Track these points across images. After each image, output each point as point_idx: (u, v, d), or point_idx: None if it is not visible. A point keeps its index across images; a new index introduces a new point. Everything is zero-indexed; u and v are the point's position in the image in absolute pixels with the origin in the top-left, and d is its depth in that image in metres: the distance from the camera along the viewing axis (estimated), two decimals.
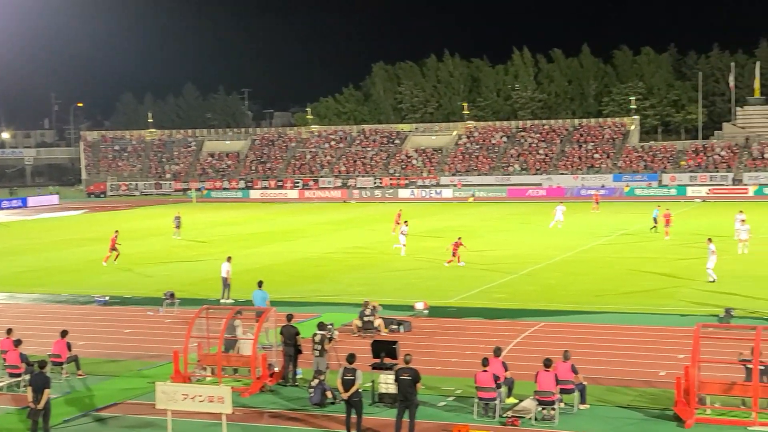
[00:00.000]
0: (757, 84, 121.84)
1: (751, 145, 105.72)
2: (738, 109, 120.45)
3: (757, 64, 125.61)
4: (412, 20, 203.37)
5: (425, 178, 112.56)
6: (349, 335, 30.94)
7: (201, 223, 77.42)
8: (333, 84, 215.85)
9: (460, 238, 48.22)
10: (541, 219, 71.61)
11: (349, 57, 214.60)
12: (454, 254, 47.02)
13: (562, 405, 22.40)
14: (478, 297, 38.88)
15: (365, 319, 31.62)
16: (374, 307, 32.17)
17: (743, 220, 51.53)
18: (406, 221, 54.66)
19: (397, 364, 23.11)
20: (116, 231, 52.14)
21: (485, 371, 22.33)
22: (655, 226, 59.15)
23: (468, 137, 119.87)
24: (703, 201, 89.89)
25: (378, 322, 31.74)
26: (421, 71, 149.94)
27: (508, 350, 28.06)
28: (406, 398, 20.87)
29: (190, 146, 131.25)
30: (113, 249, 50.24)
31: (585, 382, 23.09)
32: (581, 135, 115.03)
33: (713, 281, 39.82)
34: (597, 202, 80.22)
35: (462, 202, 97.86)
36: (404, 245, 51.63)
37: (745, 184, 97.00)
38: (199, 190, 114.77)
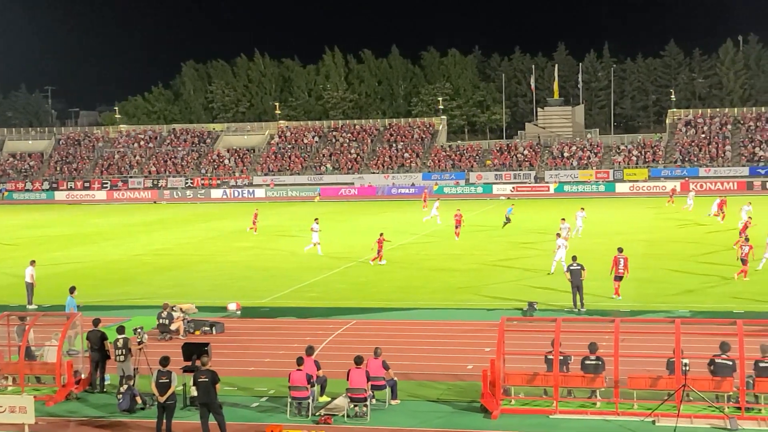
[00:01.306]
0: (556, 86, 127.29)
1: (551, 144, 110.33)
2: (539, 109, 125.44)
3: (556, 66, 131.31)
4: (223, 18, 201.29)
5: (237, 178, 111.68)
6: (176, 338, 30.62)
7: (2, 226, 74.15)
8: (142, 82, 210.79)
9: (382, 234, 48.18)
10: (352, 218, 72.46)
11: (158, 55, 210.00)
12: (379, 252, 46.86)
13: (374, 401, 22.76)
14: (290, 296, 38.95)
15: (160, 321, 31.17)
16: (173, 308, 31.82)
17: (564, 221, 52.37)
18: (316, 219, 53.55)
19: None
20: None
21: (299, 370, 22.43)
22: (506, 223, 60.70)
23: (280, 137, 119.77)
24: (508, 198, 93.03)
25: (177, 325, 31.32)
26: (232, 71, 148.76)
27: (320, 349, 28.26)
28: (206, 401, 20.75)
29: None
30: None
31: (396, 378, 23.52)
32: (391, 135, 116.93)
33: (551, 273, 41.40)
34: (425, 201, 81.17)
35: (309, 201, 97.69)
36: (318, 243, 50.74)
37: (547, 182, 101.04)
38: None
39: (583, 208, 57.20)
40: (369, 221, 70.14)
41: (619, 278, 35.30)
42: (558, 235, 43.84)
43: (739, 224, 52.70)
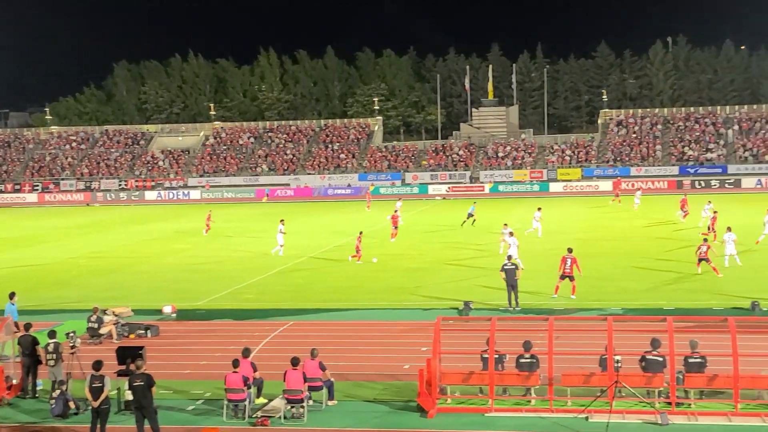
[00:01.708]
0: (490, 86, 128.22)
1: (486, 144, 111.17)
2: (474, 110, 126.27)
3: (490, 67, 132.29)
4: (155, 18, 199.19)
5: (172, 179, 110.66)
6: (110, 341, 30.29)
7: None
8: (73, 83, 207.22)
9: (361, 233, 48.17)
10: (288, 219, 72.17)
11: (90, 55, 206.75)
12: (358, 250, 46.86)
13: (311, 402, 22.77)
14: (227, 298, 38.77)
15: (89, 325, 30.85)
16: (105, 312, 31.55)
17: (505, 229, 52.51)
18: (282, 220, 53.21)
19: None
20: None
21: (235, 372, 22.36)
22: (467, 220, 60.96)
23: (215, 138, 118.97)
24: (443, 198, 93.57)
25: (108, 328, 31.02)
26: (165, 71, 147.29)
27: (257, 351, 28.19)
28: (141, 404, 20.60)
29: None
30: None
31: (333, 379, 23.57)
32: (327, 135, 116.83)
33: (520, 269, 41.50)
34: (369, 200, 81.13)
35: (257, 202, 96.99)
36: (282, 245, 50.56)
37: (482, 182, 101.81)
38: None
39: (540, 209, 57.42)
40: (305, 222, 70.01)
41: (563, 277, 35.65)
42: (511, 233, 44.08)
43: (699, 223, 53.80)
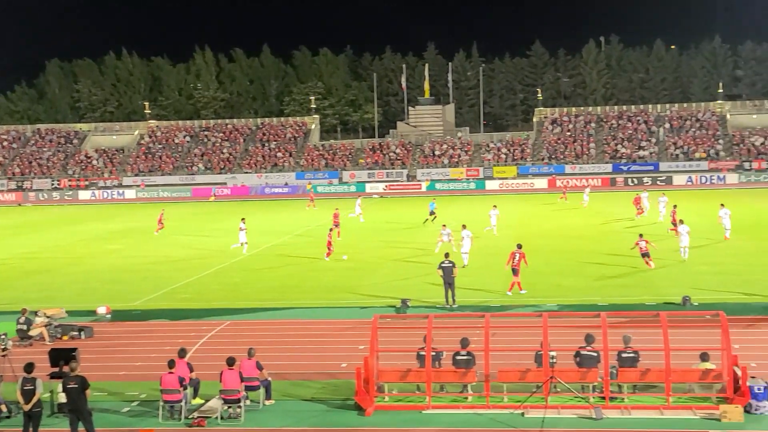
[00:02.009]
0: (426, 85, 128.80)
1: (422, 142, 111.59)
2: (410, 108, 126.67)
3: (426, 66, 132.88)
4: (88, 16, 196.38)
5: (107, 179, 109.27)
6: (42, 343, 29.86)
7: None
8: (3, 82, 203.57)
9: (331, 229, 48.66)
10: (224, 218, 71.76)
11: (21, 53, 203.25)
12: (329, 247, 46.99)
13: (248, 402, 22.68)
14: (162, 299, 38.40)
15: (18, 327, 30.37)
16: (36, 313, 31.08)
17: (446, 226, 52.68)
18: (243, 218, 52.72)
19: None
20: None
21: (171, 373, 22.17)
22: (429, 218, 61.00)
23: (150, 137, 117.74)
24: (381, 197, 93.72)
25: (38, 330, 30.57)
26: (99, 69, 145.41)
27: (193, 351, 28.01)
28: (75, 407, 20.32)
29: None
30: None
31: (270, 378, 23.49)
32: (264, 134, 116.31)
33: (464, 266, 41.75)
34: (312, 200, 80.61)
35: (207, 201, 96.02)
36: (245, 243, 50.18)
37: (419, 180, 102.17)
38: None
39: (495, 206, 57.56)
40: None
41: (515, 272, 36.01)
42: (463, 226, 44.11)
43: (660, 218, 54.54)
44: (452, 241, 45.92)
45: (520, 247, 36.49)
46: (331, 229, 49.67)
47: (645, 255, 40.74)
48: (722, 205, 50.08)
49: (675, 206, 54.12)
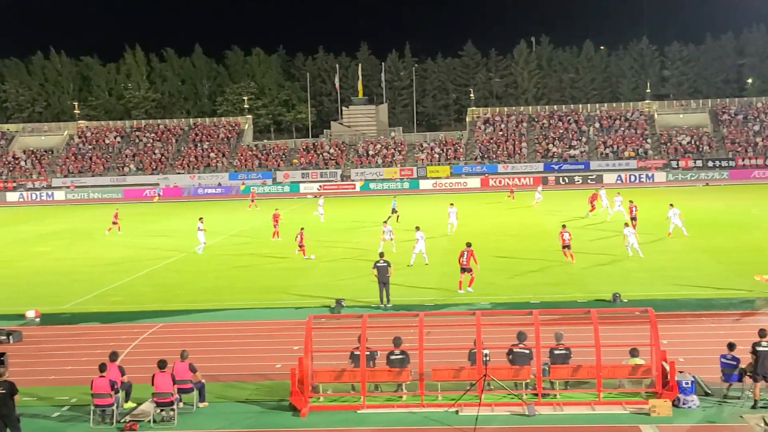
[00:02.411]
0: (360, 85, 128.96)
1: (356, 142, 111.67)
2: (344, 108, 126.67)
3: (359, 66, 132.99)
4: (15, 15, 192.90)
5: (35, 180, 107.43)
6: None
7: None
8: None
9: (302, 229, 48.20)
10: (156, 220, 71.11)
11: None
12: (301, 246, 46.71)
13: (181, 405, 22.51)
14: (93, 301, 37.90)
15: None
16: None
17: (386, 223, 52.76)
18: (201, 218, 52.15)
19: None
20: None
21: (101, 377, 21.89)
22: (392, 216, 60.79)
23: (80, 137, 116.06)
24: (315, 197, 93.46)
25: None
26: (27, 69, 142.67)
27: (125, 354, 27.69)
28: (2, 413, 19.97)
29: None
30: None
31: (204, 380, 23.34)
32: (197, 134, 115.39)
33: (410, 265, 42.11)
34: (253, 200, 79.87)
35: (152, 202, 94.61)
36: (203, 243, 50.37)
37: (353, 180, 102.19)
38: None
39: (452, 204, 57.45)
40: (175, 223, 69.00)
41: (463, 270, 36.29)
42: (417, 228, 44.23)
43: (625, 215, 55.16)
44: (393, 240, 46.14)
45: (469, 245, 36.77)
46: (302, 228, 49.02)
47: (566, 247, 41.42)
48: (671, 205, 50.90)
49: (631, 202, 54.51)
